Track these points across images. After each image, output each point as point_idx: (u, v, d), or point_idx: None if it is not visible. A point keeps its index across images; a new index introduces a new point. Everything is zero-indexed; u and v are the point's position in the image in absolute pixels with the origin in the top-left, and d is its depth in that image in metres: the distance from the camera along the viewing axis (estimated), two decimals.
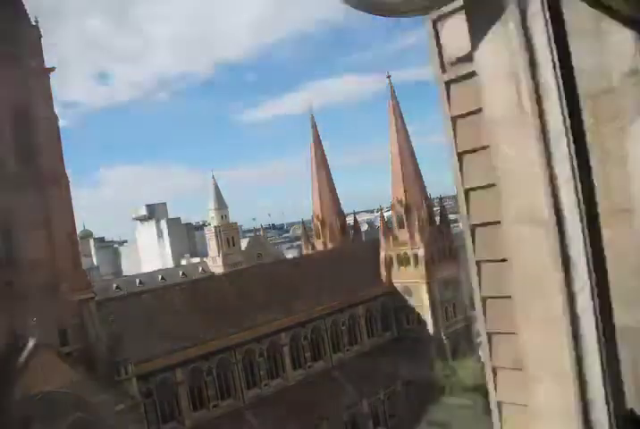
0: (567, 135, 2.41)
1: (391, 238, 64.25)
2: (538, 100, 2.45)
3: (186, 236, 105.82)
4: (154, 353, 42.43)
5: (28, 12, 41.15)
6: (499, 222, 2.72)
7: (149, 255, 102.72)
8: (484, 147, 2.79)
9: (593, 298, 2.39)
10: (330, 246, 70.84)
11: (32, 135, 39.65)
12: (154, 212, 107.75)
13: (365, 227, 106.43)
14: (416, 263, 61.77)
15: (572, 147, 2.41)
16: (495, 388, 3.07)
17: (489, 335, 3.06)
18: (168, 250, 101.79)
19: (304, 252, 76.51)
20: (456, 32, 2.87)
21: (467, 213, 3.05)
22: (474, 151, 2.94)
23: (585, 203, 2.41)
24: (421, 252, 61.38)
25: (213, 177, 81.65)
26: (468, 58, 2.78)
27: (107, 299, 47.51)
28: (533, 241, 2.53)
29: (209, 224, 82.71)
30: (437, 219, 66.17)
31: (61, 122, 43.30)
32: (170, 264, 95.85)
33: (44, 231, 38.79)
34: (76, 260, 41.56)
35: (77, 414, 34.87)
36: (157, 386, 43.92)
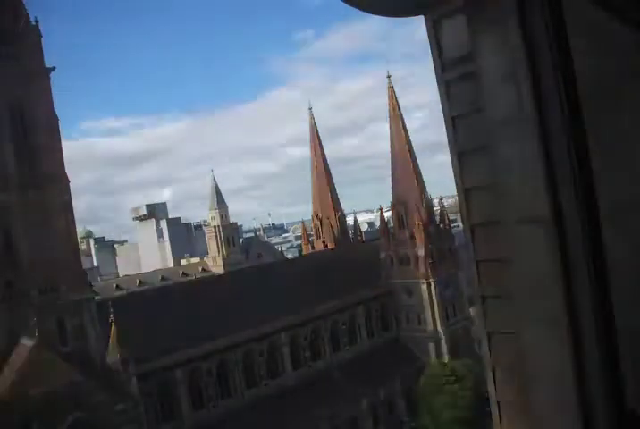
0: (567, 135, 2.41)
1: (391, 238, 64.25)
2: (538, 100, 2.45)
3: (186, 236, 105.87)
4: (154, 353, 42.42)
5: (28, 12, 41.15)
6: (499, 222, 2.71)
7: (149, 255, 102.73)
8: (484, 147, 2.79)
9: (593, 298, 2.39)
10: (330, 246, 70.83)
11: (32, 135, 39.66)
12: (154, 212, 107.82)
13: (365, 227, 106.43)
14: (416, 262, 61.78)
15: (572, 147, 2.41)
16: (495, 388, 3.07)
17: (489, 335, 3.06)
18: (168, 250, 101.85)
19: (304, 252, 76.50)
20: (456, 32, 2.87)
21: (467, 213, 3.05)
22: (474, 151, 2.94)
23: (585, 203, 2.41)
24: (421, 252, 61.36)
25: (213, 176, 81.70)
26: (468, 58, 2.78)
27: (107, 299, 47.48)
28: (533, 241, 2.53)
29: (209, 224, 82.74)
30: (437, 219, 66.17)
31: None
32: (170, 264, 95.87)
33: (44, 231, 38.79)
34: (76, 260, 41.58)
35: (77, 414, 34.88)
36: (157, 386, 43.93)
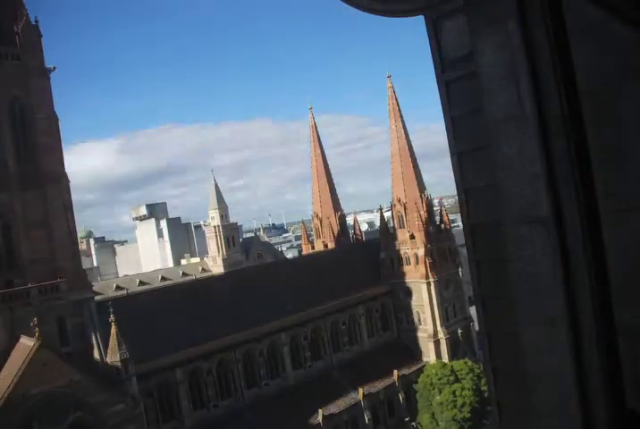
0: (567, 135, 2.41)
1: (391, 238, 64.25)
2: (538, 100, 2.45)
3: (186, 236, 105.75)
4: (154, 353, 42.41)
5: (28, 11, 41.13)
6: (499, 223, 2.71)
7: (149, 255, 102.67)
8: (483, 147, 2.79)
9: (593, 298, 2.39)
10: (330, 246, 70.81)
11: (32, 135, 39.67)
12: (154, 212, 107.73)
13: (365, 227, 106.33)
14: (416, 262, 61.78)
15: (572, 147, 2.41)
16: (495, 388, 3.07)
17: (489, 335, 3.06)
18: (168, 250, 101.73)
19: (304, 252, 76.46)
20: (456, 32, 2.87)
21: (467, 213, 3.05)
22: (474, 151, 2.94)
23: (585, 203, 2.41)
24: (421, 252, 61.37)
25: (213, 176, 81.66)
26: (468, 58, 2.78)
27: (107, 299, 47.47)
28: (533, 241, 2.53)
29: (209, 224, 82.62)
30: (437, 219, 66.18)
31: None
32: (170, 264, 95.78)
33: (44, 230, 38.79)
34: (76, 260, 41.56)
35: (77, 414, 34.87)
36: (157, 386, 43.92)
